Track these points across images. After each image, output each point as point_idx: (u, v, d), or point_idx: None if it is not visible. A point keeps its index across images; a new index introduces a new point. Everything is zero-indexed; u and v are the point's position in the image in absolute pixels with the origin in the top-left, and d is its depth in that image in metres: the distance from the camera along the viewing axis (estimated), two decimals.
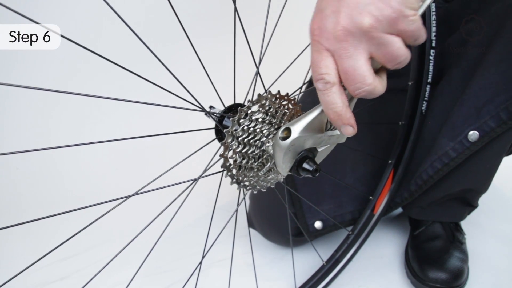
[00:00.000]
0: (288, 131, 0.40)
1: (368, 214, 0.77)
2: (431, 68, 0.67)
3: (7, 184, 1.15)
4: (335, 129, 0.43)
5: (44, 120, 1.33)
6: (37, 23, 0.30)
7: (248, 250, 0.79)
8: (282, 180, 0.48)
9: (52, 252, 0.79)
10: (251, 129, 0.43)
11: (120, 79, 1.34)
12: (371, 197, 0.77)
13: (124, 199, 0.43)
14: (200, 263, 0.53)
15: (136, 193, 0.44)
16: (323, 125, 0.42)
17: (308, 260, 0.81)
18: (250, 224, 0.85)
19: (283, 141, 0.40)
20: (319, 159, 0.44)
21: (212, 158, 0.51)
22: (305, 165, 0.41)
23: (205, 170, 0.50)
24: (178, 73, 0.44)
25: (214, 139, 0.50)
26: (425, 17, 0.62)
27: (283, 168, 0.42)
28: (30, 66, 1.33)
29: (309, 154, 0.42)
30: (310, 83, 0.99)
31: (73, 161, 1.22)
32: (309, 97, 0.92)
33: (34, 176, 1.17)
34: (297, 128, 0.40)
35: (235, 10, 0.44)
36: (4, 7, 0.30)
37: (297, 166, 0.42)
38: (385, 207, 0.77)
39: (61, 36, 0.33)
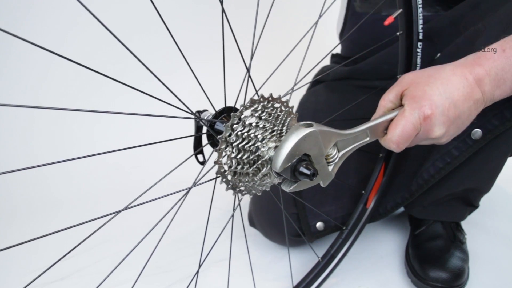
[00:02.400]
0: (309, 125, 0.40)
1: (361, 208, 0.76)
2: (418, 60, 0.67)
3: (6, 184, 1.12)
4: (330, 165, 0.45)
5: (37, 128, 1.31)
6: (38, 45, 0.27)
7: (246, 250, 0.79)
8: (277, 182, 0.47)
9: (51, 253, 0.77)
10: (245, 134, 0.41)
11: (108, 86, 1.31)
12: (363, 191, 0.76)
13: (114, 214, 0.41)
14: (197, 272, 0.51)
15: (126, 208, 0.42)
16: (328, 148, 0.43)
17: (306, 258, 0.80)
18: (251, 223, 0.84)
19: (306, 127, 0.40)
20: (296, 188, 0.43)
21: (204, 165, 0.50)
22: (303, 169, 0.40)
23: (199, 179, 0.48)
24: (166, 78, 0.42)
25: (206, 144, 0.49)
26: (412, 8, 0.62)
27: (280, 161, 0.39)
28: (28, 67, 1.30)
29: (306, 158, 0.41)
30: (313, 83, 0.98)
31: (71, 166, 1.18)
32: (313, 96, 0.90)
33: (34, 177, 1.14)
34: (318, 127, 0.40)
35: (223, 10, 0.42)
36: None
37: (293, 169, 0.41)
38: (377, 200, 0.77)
39: (47, 50, 0.31)
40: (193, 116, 0.47)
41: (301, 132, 0.40)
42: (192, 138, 0.49)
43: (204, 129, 0.48)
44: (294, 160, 0.40)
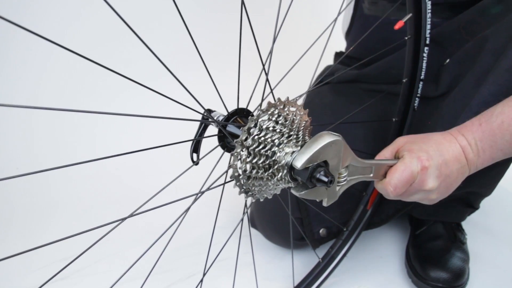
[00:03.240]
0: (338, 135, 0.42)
1: (362, 209, 0.77)
2: (424, 65, 0.67)
3: (6, 186, 1.08)
4: (338, 186, 0.46)
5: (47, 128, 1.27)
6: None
7: (248, 250, 0.78)
8: (291, 188, 0.46)
9: (51, 253, 0.74)
10: (262, 138, 0.40)
11: (111, 83, 1.27)
12: (364, 193, 0.77)
13: (120, 221, 0.40)
14: (201, 281, 0.50)
15: (132, 215, 0.41)
16: (343, 166, 0.44)
17: (307, 259, 0.80)
18: (253, 225, 0.83)
19: (335, 135, 0.41)
20: (305, 195, 0.44)
21: (213, 168, 0.48)
22: (321, 176, 0.39)
23: (208, 185, 0.47)
24: (172, 77, 0.41)
25: (216, 146, 0.48)
26: (421, 13, 0.62)
27: (305, 158, 0.40)
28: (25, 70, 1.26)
29: (324, 165, 0.40)
30: (318, 84, 0.96)
31: (73, 168, 1.15)
32: (317, 98, 0.89)
33: (34, 178, 1.09)
34: (344, 141, 0.42)
35: (242, 2, 0.41)
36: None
37: (311, 174, 0.40)
38: (377, 202, 0.77)
39: (51, 41, 0.29)
40: (204, 116, 0.46)
41: (331, 137, 0.40)
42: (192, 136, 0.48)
43: (216, 131, 0.47)
44: (315, 163, 0.40)
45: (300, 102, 0.44)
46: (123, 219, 0.40)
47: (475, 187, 0.70)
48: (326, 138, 0.40)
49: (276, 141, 0.41)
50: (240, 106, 0.47)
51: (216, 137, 0.47)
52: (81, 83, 1.31)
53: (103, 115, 1.29)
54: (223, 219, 0.92)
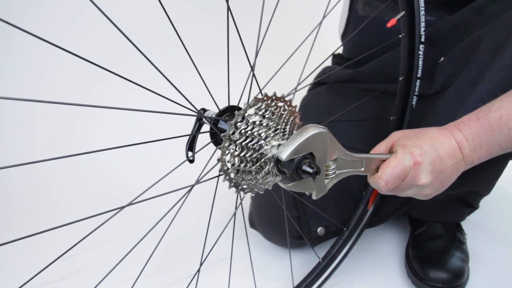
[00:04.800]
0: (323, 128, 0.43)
1: (362, 209, 0.77)
2: (420, 62, 0.67)
3: (5, 183, 1.11)
4: (327, 179, 0.46)
5: (42, 124, 1.30)
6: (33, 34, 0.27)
7: (247, 250, 0.79)
8: (279, 180, 0.47)
9: (51, 252, 0.76)
10: (249, 132, 0.42)
11: (109, 84, 1.31)
12: (364, 193, 0.77)
13: (118, 210, 0.41)
14: (198, 270, 0.51)
15: (130, 204, 0.43)
16: (330, 159, 0.44)
17: (306, 259, 0.80)
18: (252, 225, 0.84)
19: (320, 127, 0.42)
20: (292, 187, 0.45)
21: (207, 163, 0.50)
22: (306, 167, 0.40)
23: (201, 176, 0.49)
24: (169, 77, 0.43)
25: (209, 143, 0.49)
26: (414, 11, 0.62)
27: (289, 150, 0.41)
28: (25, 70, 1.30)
29: (310, 157, 0.41)
30: (314, 84, 0.98)
31: (72, 165, 1.19)
32: (314, 98, 0.91)
33: (33, 175, 1.13)
34: (330, 133, 0.43)
35: (228, 8, 0.43)
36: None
37: (297, 165, 0.41)
38: (378, 202, 0.77)
39: (50, 43, 0.31)
40: (196, 114, 0.48)
41: (315, 129, 0.41)
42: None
43: (208, 128, 0.48)
44: (301, 155, 0.41)
45: (288, 98, 0.45)
46: (122, 208, 0.41)
47: (473, 186, 0.70)
48: (311, 130, 0.41)
49: (263, 135, 0.42)
50: (232, 104, 0.48)
51: (209, 134, 0.49)
52: (81, 84, 1.34)
53: (102, 117, 1.32)
54: (221, 218, 0.93)
